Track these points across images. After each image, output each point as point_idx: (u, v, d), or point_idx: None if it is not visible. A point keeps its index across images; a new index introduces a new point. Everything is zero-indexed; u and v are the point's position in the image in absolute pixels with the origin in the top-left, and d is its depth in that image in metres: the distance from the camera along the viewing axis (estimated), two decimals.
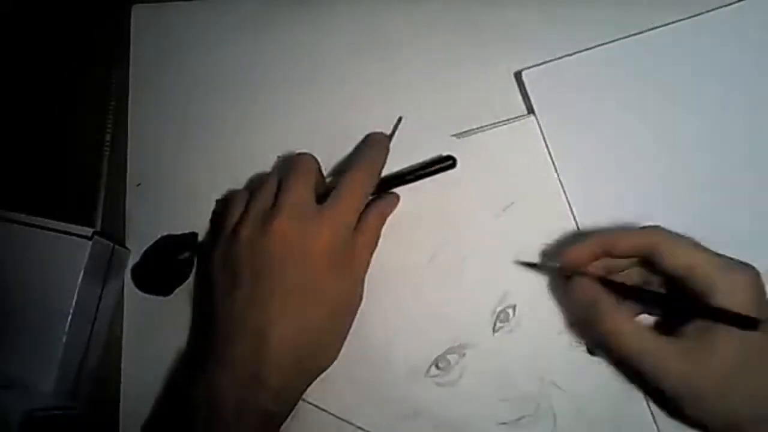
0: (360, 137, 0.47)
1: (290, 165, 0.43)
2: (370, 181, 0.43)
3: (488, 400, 0.43)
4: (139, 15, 0.53)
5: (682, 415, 0.38)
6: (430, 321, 0.44)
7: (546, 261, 0.44)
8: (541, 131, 0.47)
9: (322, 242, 0.39)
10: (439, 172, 0.46)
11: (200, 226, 0.48)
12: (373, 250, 0.43)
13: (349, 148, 0.47)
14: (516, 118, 0.47)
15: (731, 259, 0.38)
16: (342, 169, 0.46)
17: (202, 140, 0.50)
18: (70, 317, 0.42)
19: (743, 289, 0.36)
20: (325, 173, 0.46)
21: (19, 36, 0.53)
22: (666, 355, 0.36)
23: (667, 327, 0.39)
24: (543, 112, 0.47)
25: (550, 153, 0.46)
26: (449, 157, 0.46)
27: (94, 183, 0.49)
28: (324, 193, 0.42)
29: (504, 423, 0.42)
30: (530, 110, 0.47)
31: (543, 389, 0.43)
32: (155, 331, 0.46)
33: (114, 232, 0.47)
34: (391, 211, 0.45)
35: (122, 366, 0.45)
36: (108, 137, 0.50)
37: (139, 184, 0.49)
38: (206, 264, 0.43)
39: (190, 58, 0.52)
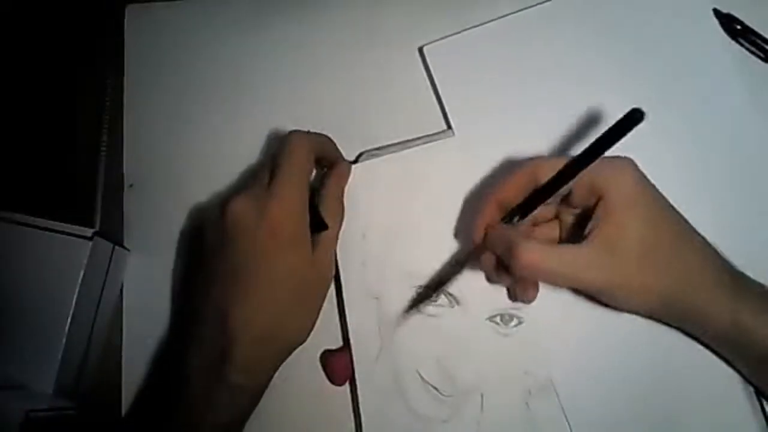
0: (358, 135, 0.48)
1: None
2: (312, 151, 0.43)
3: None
4: (133, 15, 0.53)
5: (625, 306, 0.39)
6: None
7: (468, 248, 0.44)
8: (442, 105, 0.48)
9: (270, 218, 0.39)
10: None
11: (198, 226, 0.48)
12: (338, 221, 0.44)
13: (347, 146, 0.47)
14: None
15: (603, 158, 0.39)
16: None
17: (196, 139, 0.50)
18: (70, 317, 0.42)
19: (621, 177, 0.38)
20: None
21: (14, 38, 0.53)
22: (581, 260, 0.37)
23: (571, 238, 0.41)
24: (444, 84, 0.48)
25: (449, 124, 0.48)
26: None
27: (92, 183, 0.49)
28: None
29: None
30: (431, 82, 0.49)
31: None
32: (155, 331, 0.46)
33: (113, 232, 0.48)
34: (346, 179, 0.46)
35: (122, 366, 0.46)
36: (104, 137, 0.50)
37: (131, 185, 0.49)
38: None
39: (184, 57, 0.52)
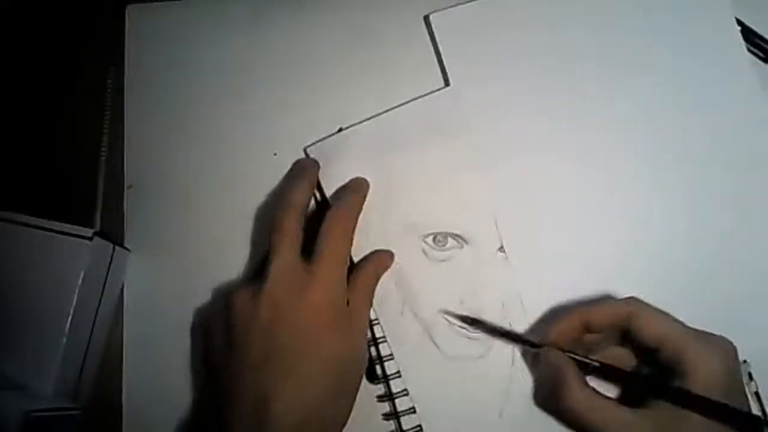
0: (358, 135, 0.48)
1: (273, 221, 0.42)
2: (351, 227, 0.43)
3: None
4: (133, 15, 0.53)
5: None
6: None
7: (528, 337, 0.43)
8: (445, 74, 0.48)
9: (313, 300, 0.39)
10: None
11: (199, 226, 0.48)
12: (369, 308, 0.43)
13: (347, 147, 0.47)
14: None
15: (705, 332, 0.38)
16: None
17: (196, 139, 0.50)
18: (70, 318, 0.42)
19: (714, 360, 0.36)
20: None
21: (15, 37, 0.53)
22: (631, 429, 0.36)
23: (633, 398, 0.39)
24: (449, 55, 0.48)
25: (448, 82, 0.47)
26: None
27: (92, 183, 0.49)
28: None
29: None
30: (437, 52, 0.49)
31: None
32: (156, 332, 0.46)
33: (113, 232, 0.47)
34: (384, 271, 0.44)
35: (123, 367, 0.46)
36: (104, 137, 0.50)
37: (130, 186, 0.49)
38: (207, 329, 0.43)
39: (184, 57, 0.52)
